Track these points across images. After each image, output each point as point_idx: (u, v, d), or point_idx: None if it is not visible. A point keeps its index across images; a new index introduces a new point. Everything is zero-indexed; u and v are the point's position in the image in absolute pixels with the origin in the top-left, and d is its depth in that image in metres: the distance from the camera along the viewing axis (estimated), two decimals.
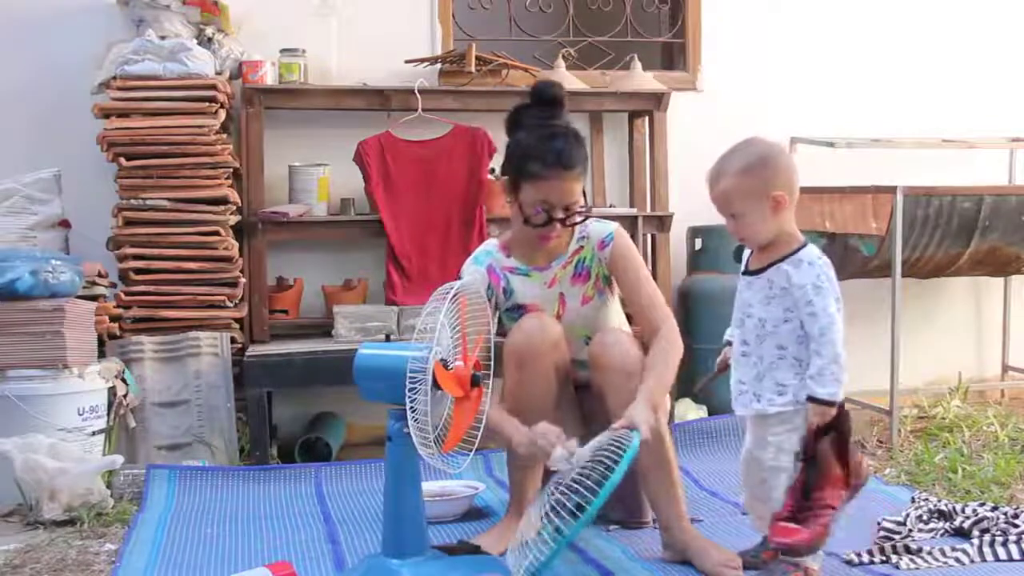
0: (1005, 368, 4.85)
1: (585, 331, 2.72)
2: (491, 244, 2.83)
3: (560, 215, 2.61)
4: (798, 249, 2.31)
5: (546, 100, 2.67)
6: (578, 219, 2.67)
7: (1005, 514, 2.71)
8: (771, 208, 2.28)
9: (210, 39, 3.97)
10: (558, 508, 2.18)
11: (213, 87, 3.75)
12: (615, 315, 2.81)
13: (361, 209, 4.16)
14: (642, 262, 2.77)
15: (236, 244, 3.77)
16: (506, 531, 2.60)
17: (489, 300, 2.68)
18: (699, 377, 3.95)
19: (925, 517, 2.73)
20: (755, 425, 2.39)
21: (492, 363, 2.43)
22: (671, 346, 2.56)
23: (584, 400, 2.73)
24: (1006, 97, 4.83)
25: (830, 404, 2.24)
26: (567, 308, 2.73)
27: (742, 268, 2.42)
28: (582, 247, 2.74)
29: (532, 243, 2.70)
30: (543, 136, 2.59)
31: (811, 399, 2.25)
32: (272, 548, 2.71)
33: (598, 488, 2.15)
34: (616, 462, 2.18)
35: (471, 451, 2.36)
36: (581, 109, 4.36)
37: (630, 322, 2.94)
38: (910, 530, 2.65)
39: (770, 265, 2.33)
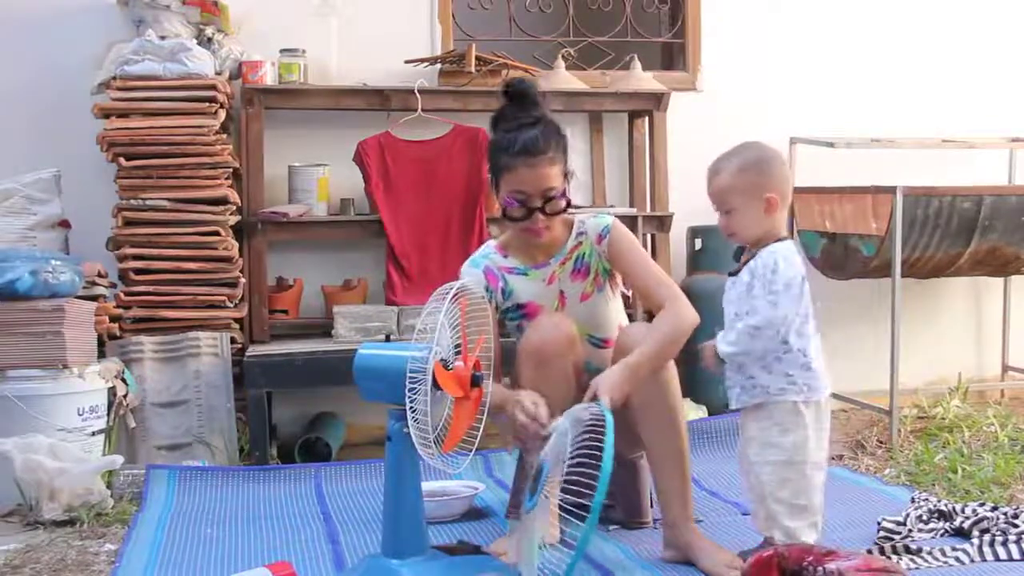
0: (1005, 368, 4.84)
1: (585, 329, 2.71)
2: (488, 246, 2.82)
3: (538, 203, 2.60)
4: (769, 243, 2.39)
5: (516, 95, 2.67)
6: (562, 205, 2.63)
7: (1005, 514, 2.71)
8: (763, 208, 2.37)
9: (210, 39, 3.97)
10: (572, 511, 2.16)
11: (213, 87, 3.75)
12: (615, 314, 2.79)
13: (361, 209, 4.16)
14: (642, 249, 2.76)
15: (236, 244, 3.77)
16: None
17: (489, 303, 2.67)
18: (699, 376, 3.98)
19: (925, 517, 2.73)
20: (744, 420, 2.45)
21: (492, 363, 2.43)
22: (665, 322, 2.53)
23: None
24: (1006, 97, 4.82)
25: (717, 357, 2.38)
26: (566, 305, 2.72)
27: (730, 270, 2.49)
28: (580, 243, 2.73)
29: (525, 240, 2.69)
30: (510, 128, 2.61)
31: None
32: (272, 548, 2.71)
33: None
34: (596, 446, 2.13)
35: (471, 451, 2.35)
36: (581, 109, 4.37)
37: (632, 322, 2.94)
38: (910, 530, 2.65)
39: (747, 262, 2.41)
